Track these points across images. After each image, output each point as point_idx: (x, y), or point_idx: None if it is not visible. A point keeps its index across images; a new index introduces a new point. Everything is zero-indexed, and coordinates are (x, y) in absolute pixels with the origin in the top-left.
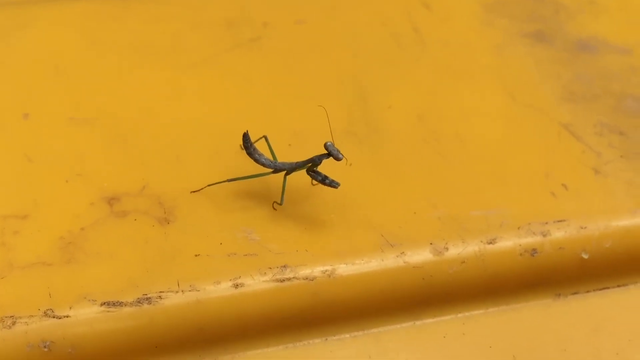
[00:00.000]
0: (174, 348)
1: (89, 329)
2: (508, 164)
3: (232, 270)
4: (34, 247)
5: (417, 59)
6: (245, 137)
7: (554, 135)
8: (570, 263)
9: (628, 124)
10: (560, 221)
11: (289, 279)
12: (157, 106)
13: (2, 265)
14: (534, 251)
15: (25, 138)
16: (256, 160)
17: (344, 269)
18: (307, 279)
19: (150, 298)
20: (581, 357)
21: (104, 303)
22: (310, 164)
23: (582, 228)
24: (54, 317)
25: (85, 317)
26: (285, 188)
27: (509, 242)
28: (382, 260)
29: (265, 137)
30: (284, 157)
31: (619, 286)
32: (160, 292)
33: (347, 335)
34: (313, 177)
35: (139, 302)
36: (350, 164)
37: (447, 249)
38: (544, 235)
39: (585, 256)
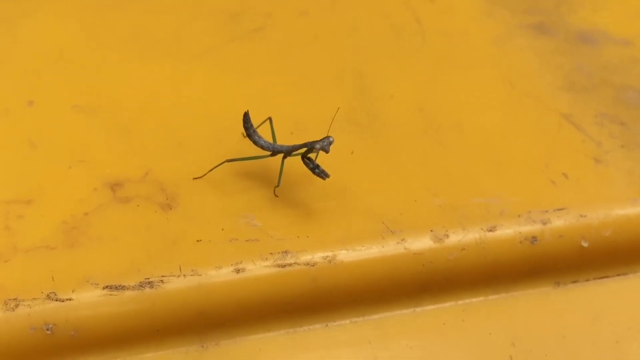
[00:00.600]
0: (176, 332)
1: (91, 312)
2: (508, 153)
3: (233, 255)
4: (37, 231)
5: (418, 50)
6: (246, 117)
7: (554, 125)
8: (570, 251)
9: (628, 114)
10: (560, 209)
11: (289, 265)
12: (160, 94)
13: (6, 248)
14: (533, 239)
15: (30, 125)
16: (255, 142)
17: (345, 255)
18: (308, 264)
19: (152, 282)
20: (580, 345)
21: (107, 287)
22: (305, 149)
23: (582, 216)
24: (56, 300)
25: (88, 301)
26: (283, 171)
27: (509, 230)
28: (383, 247)
29: (270, 120)
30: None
31: (618, 275)
32: (162, 276)
33: (347, 321)
34: (306, 164)
35: (141, 286)
36: (352, 152)
37: (447, 236)
38: (544, 224)
39: (585, 244)
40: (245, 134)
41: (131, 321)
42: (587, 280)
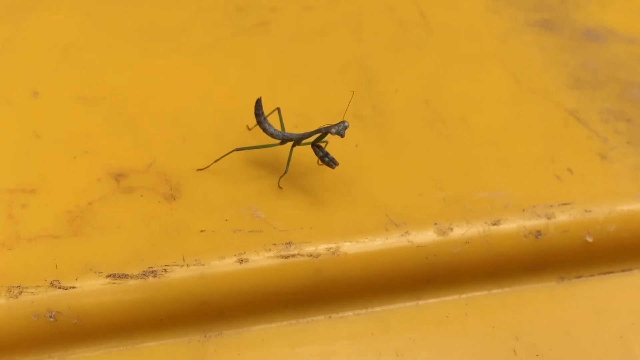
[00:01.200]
0: (178, 321)
1: (94, 300)
2: (514, 147)
3: (237, 245)
4: (41, 220)
5: (424, 44)
6: (258, 104)
7: (560, 121)
8: (575, 246)
9: (634, 111)
10: (565, 204)
11: (293, 256)
12: (165, 86)
13: (10, 237)
14: (538, 233)
15: (35, 116)
16: (265, 130)
17: (348, 247)
18: (311, 256)
19: (155, 271)
20: (584, 340)
21: (110, 275)
22: (318, 135)
23: (586, 211)
24: (60, 288)
25: (91, 289)
26: (291, 160)
27: (513, 224)
28: (387, 239)
29: (278, 110)
30: None
31: (622, 270)
32: (166, 265)
33: (351, 313)
34: (315, 152)
35: (144, 275)
36: (357, 145)
37: (451, 229)
38: (549, 218)
39: (589, 239)
40: (250, 127)
41: (134, 310)
42: (592, 275)
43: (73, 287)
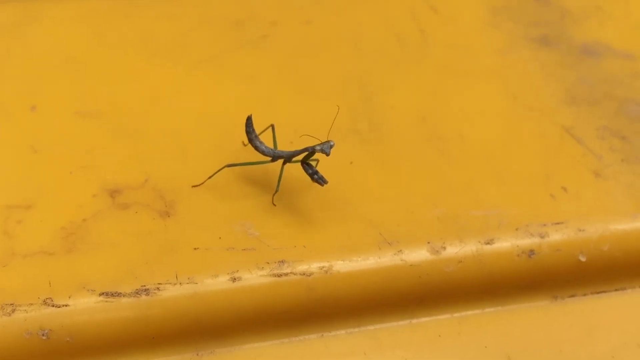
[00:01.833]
0: (171, 340)
1: (87, 319)
2: (509, 165)
3: (230, 264)
4: (36, 236)
5: (422, 60)
6: (248, 121)
7: (555, 138)
8: (568, 265)
9: (630, 128)
10: (559, 223)
11: (286, 274)
12: (162, 101)
13: (4, 253)
14: (531, 252)
15: (32, 130)
16: (256, 147)
17: (341, 265)
18: (304, 274)
19: (148, 289)
20: (577, 359)
21: (103, 293)
22: (306, 153)
23: (580, 230)
24: (53, 306)
25: (84, 307)
26: (282, 177)
27: (506, 243)
28: (380, 258)
29: (272, 127)
30: None
31: (616, 290)
32: (159, 284)
33: (343, 332)
34: (305, 170)
35: (137, 293)
36: (351, 162)
37: (444, 248)
38: (542, 237)
39: (582, 259)
40: (245, 143)
41: (127, 328)
42: (585, 294)
43: (66, 305)
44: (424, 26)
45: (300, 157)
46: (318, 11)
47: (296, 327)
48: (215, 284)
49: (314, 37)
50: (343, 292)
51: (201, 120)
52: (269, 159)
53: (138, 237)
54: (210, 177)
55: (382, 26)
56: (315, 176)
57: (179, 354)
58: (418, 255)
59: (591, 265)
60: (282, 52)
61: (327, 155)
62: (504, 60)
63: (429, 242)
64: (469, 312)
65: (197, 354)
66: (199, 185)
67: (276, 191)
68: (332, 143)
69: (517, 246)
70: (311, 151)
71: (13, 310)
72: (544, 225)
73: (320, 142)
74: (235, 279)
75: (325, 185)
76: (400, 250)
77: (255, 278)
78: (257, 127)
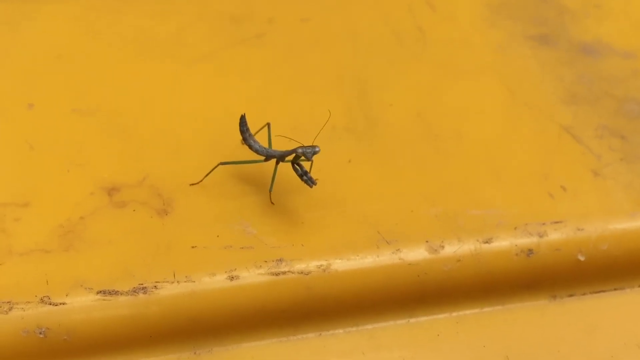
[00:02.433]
0: (168, 338)
1: (84, 317)
2: (507, 164)
3: (227, 262)
4: (33, 234)
5: (419, 58)
6: (242, 120)
7: (554, 137)
8: (567, 265)
9: (629, 127)
10: (557, 222)
11: (284, 273)
12: (159, 99)
13: (1, 251)
14: (529, 252)
15: (29, 128)
16: (250, 146)
17: (339, 264)
18: (302, 273)
19: (145, 288)
20: (575, 359)
21: (100, 291)
22: (293, 155)
23: (579, 230)
24: (50, 304)
25: (81, 305)
26: (280, 177)
27: (505, 242)
28: (378, 257)
29: (268, 125)
30: None
31: (615, 289)
32: (156, 282)
33: (341, 331)
34: (295, 170)
35: (134, 291)
36: (350, 161)
37: (442, 247)
38: (541, 236)
39: (581, 258)
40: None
41: (124, 327)
42: (584, 294)
43: (63, 304)
44: (421, 23)
45: (292, 157)
46: (315, 8)
47: (294, 326)
48: (212, 282)
49: (310, 35)
50: (341, 291)
51: (198, 117)
52: (263, 158)
53: (135, 235)
54: (206, 176)
55: (379, 23)
56: (304, 177)
57: (177, 352)
58: (416, 254)
59: (590, 264)
60: (279, 49)
61: (309, 160)
62: (503, 58)
63: (427, 241)
64: (468, 312)
65: (195, 353)
66: (197, 183)
67: (270, 190)
68: (317, 149)
69: (516, 245)
70: (296, 153)
71: (10, 309)
72: (543, 224)
73: (302, 145)
74: (233, 277)
75: (313, 186)
76: (399, 249)
77: (253, 276)
78: (254, 125)
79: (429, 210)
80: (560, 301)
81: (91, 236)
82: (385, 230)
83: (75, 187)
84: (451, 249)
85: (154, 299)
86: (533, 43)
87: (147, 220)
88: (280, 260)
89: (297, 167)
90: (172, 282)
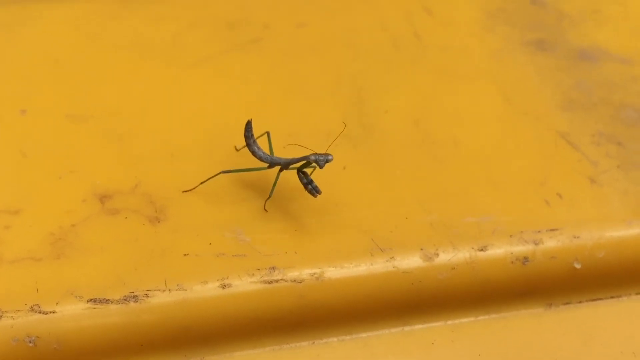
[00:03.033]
0: (160, 347)
1: (75, 325)
2: (503, 171)
3: (220, 270)
4: (24, 242)
5: (416, 64)
6: (248, 126)
7: (550, 144)
8: (562, 273)
9: (626, 134)
10: (553, 230)
11: (276, 281)
12: (153, 105)
13: None
14: (525, 259)
15: (22, 134)
16: (253, 153)
17: (333, 272)
18: (295, 281)
19: (137, 296)
20: None
21: (91, 300)
22: (304, 162)
23: (575, 237)
24: (40, 313)
25: (72, 313)
26: (277, 184)
27: (500, 250)
28: (372, 265)
29: (268, 133)
30: None
31: (611, 297)
32: (148, 290)
33: (335, 339)
34: (300, 178)
35: (125, 299)
36: (344, 167)
37: (437, 254)
38: (536, 244)
39: (577, 266)
40: (238, 148)
41: (115, 335)
42: (580, 302)
43: (53, 312)
44: (418, 29)
45: (297, 165)
46: (311, 14)
47: (287, 335)
48: (204, 290)
49: (307, 40)
50: (335, 299)
51: (193, 124)
52: (266, 165)
53: (127, 242)
54: (203, 183)
55: (376, 29)
56: (309, 186)
57: None
58: (411, 261)
59: (586, 272)
60: (275, 55)
61: (320, 168)
62: (500, 64)
63: (421, 249)
64: (463, 320)
65: None
66: (190, 190)
67: (269, 197)
68: (330, 157)
69: (511, 253)
70: (308, 161)
71: (0, 317)
72: (539, 231)
73: (314, 153)
74: (225, 285)
75: (318, 196)
76: (393, 257)
77: (245, 285)
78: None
79: (423, 217)
80: (556, 309)
81: (82, 244)
82: (380, 237)
83: (67, 194)
84: (446, 257)
85: (145, 307)
86: (530, 49)
87: (139, 228)
88: (273, 268)
89: (303, 175)
90: (164, 290)
